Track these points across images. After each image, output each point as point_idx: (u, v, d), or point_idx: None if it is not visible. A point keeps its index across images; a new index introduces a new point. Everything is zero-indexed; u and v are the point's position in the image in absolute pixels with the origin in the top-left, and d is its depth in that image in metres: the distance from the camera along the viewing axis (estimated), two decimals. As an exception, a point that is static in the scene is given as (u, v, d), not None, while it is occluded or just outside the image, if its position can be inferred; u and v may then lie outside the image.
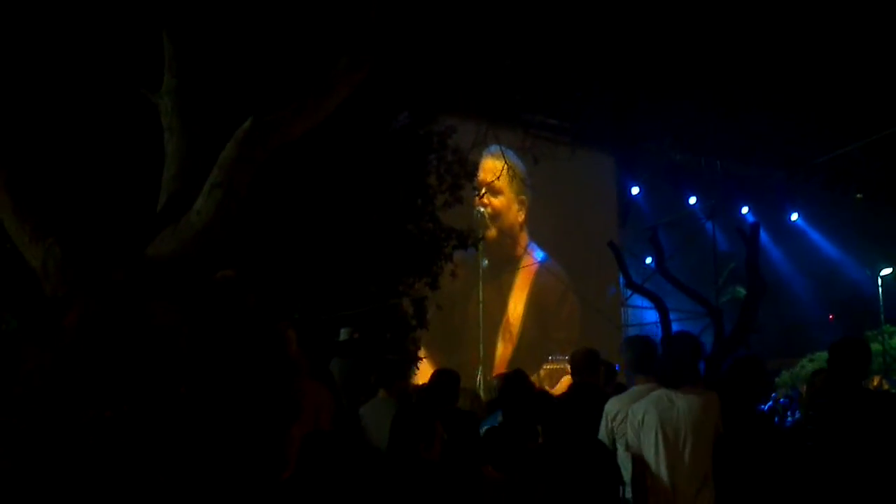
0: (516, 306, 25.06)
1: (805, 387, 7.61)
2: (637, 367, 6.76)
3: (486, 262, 21.50)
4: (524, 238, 25.27)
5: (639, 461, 6.11)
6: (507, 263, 24.62)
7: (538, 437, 6.53)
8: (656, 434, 6.00)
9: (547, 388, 21.88)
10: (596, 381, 7.63)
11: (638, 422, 6.12)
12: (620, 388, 7.45)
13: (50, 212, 6.59)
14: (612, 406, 6.54)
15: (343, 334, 10.13)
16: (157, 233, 6.43)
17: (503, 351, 24.51)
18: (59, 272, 6.04)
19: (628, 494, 6.12)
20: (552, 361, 23.31)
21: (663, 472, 5.95)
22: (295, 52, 9.90)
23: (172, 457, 1.00)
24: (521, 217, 24.90)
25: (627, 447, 6.23)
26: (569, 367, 8.23)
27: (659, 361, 6.59)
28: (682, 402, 6.03)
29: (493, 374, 18.66)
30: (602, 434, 6.49)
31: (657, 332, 15.66)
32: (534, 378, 23.40)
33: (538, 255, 25.40)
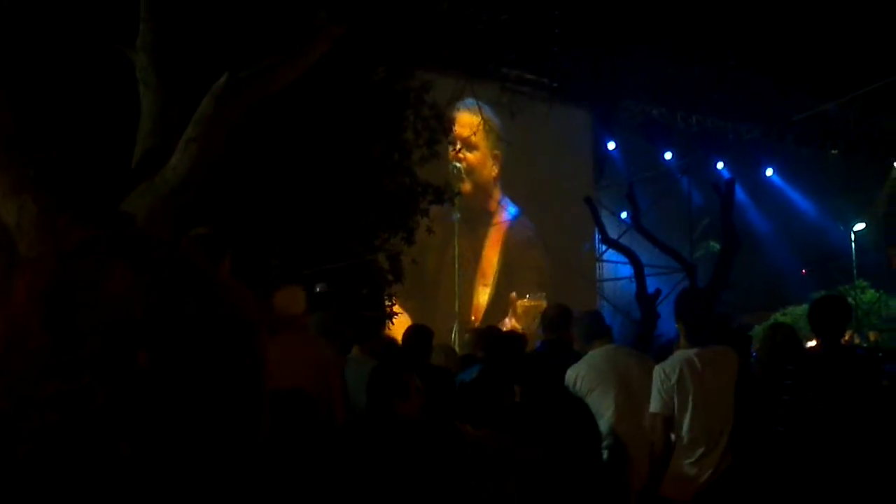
0: (491, 259, 25.15)
1: (759, 343, 7.66)
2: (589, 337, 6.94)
3: (458, 216, 21.49)
4: (497, 193, 25.29)
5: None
6: (480, 218, 24.67)
7: (514, 394, 6.57)
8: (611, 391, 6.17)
9: (523, 325, 22.11)
10: (568, 338, 7.67)
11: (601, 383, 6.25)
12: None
13: (24, 168, 6.54)
14: (570, 373, 6.63)
15: (319, 288, 10.13)
16: (133, 188, 6.41)
17: (479, 301, 24.61)
18: (34, 229, 6.02)
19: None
20: (528, 299, 23.54)
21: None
22: (272, 6, 9.81)
23: (138, 428, 1.00)
24: (494, 172, 24.90)
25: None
26: (544, 303, 8.32)
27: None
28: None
29: (469, 328, 18.79)
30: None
31: (631, 288, 15.75)
32: (510, 318, 23.63)
33: (511, 210, 25.46)
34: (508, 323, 22.94)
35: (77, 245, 1.30)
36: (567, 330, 7.61)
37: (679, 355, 6.20)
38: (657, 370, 6.15)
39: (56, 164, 8.37)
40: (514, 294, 24.24)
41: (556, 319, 7.61)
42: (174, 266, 1.30)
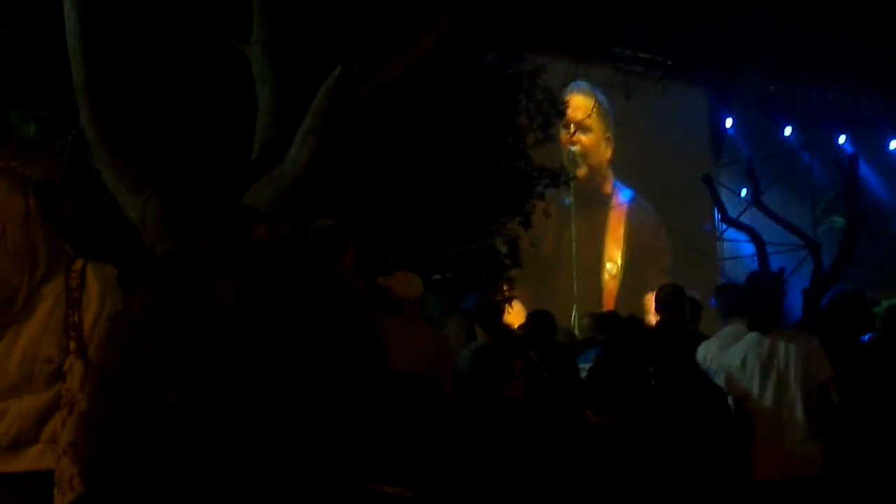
0: (614, 243, 24.91)
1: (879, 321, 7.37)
2: (728, 312, 6.70)
3: (569, 200, 21.30)
4: (610, 175, 25.03)
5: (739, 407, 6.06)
6: (595, 201, 24.42)
7: (650, 378, 6.49)
8: (757, 378, 5.94)
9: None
10: (682, 318, 7.54)
11: (737, 366, 6.05)
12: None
13: (147, 164, 6.71)
14: (701, 349, 6.47)
15: (440, 276, 10.15)
16: (253, 183, 6.52)
17: (610, 287, 24.38)
18: (158, 224, 6.18)
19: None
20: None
21: (767, 415, 5.90)
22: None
23: (262, 433, 1.02)
24: (608, 154, 24.64)
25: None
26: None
27: (750, 304, 6.49)
28: (781, 345, 5.95)
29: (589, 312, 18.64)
30: (698, 378, 6.43)
31: (753, 266, 15.48)
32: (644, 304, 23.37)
33: (625, 193, 25.16)
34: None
35: (185, 257, 1.32)
36: (682, 311, 7.50)
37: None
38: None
39: (178, 160, 8.57)
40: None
41: (669, 300, 7.51)
42: (284, 271, 1.31)
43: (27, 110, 8.94)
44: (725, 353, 6.15)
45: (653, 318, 7.88)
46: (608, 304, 22.72)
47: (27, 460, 2.99)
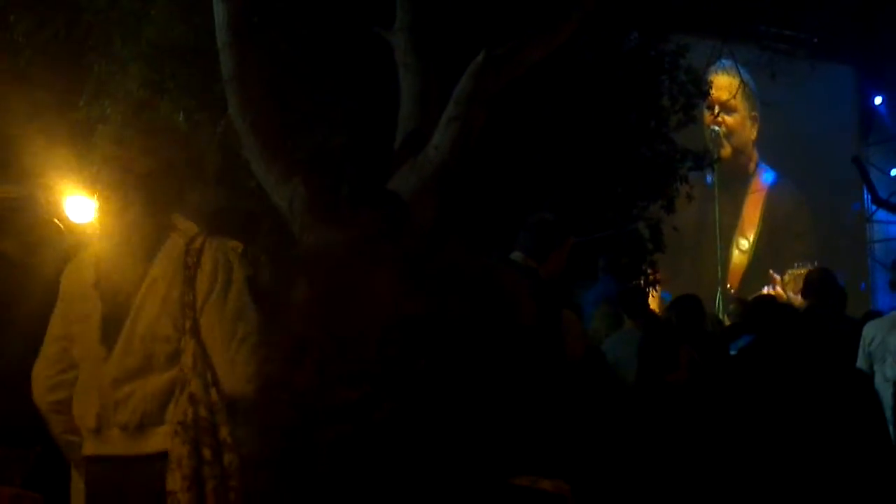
0: (752, 224, 24.38)
1: None
2: None
3: (711, 179, 20.88)
4: (755, 156, 24.49)
5: None
6: (738, 181, 23.92)
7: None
8: None
9: (791, 293, 21.32)
10: (831, 305, 7.31)
11: None
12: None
13: (294, 153, 6.80)
14: (869, 330, 6.24)
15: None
16: (396, 170, 6.55)
17: (735, 266, 23.91)
18: (306, 212, 6.24)
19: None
20: (797, 268, 22.63)
21: None
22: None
23: (425, 432, 0.98)
24: (753, 135, 24.12)
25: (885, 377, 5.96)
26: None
27: None
28: None
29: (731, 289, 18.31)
30: (860, 361, 6.21)
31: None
32: (772, 286, 22.87)
33: (768, 175, 24.58)
34: (771, 291, 22.18)
35: (344, 249, 1.30)
36: (831, 296, 7.28)
37: None
38: None
39: (324, 148, 8.65)
40: (774, 273, 23.27)
41: (817, 284, 7.30)
42: (440, 264, 1.29)
43: (176, 100, 9.15)
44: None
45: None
46: (733, 282, 22.32)
47: (155, 441, 3.04)
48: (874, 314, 7.87)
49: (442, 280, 1.16)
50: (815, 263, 22.12)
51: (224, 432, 2.93)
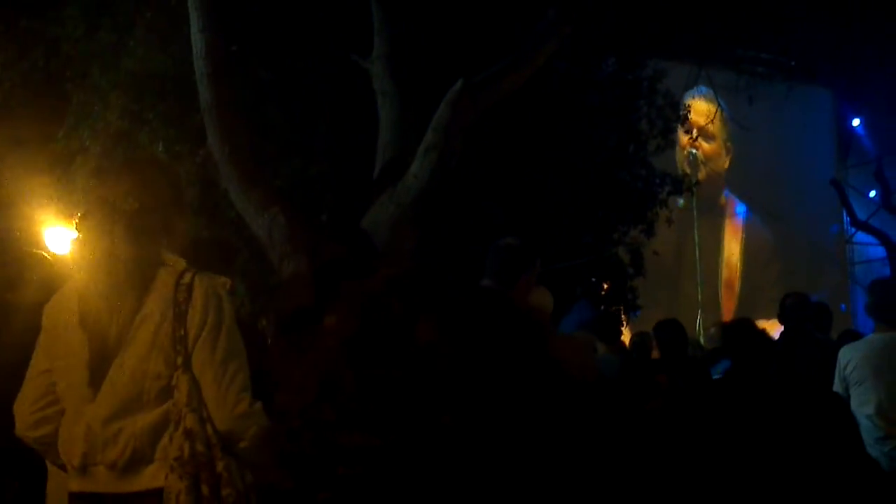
0: (731, 256, 24.43)
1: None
2: (878, 314, 6.31)
3: (682, 202, 20.87)
4: (724, 185, 24.57)
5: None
6: (713, 208, 23.99)
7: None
8: None
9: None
10: (806, 328, 7.34)
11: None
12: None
13: (272, 182, 6.81)
14: (845, 354, 6.25)
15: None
16: (375, 198, 6.57)
17: (727, 303, 23.94)
18: (285, 241, 6.25)
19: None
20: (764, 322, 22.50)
21: None
22: (500, 9, 9.86)
23: (437, 489, 0.99)
24: (725, 164, 24.23)
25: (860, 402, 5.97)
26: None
27: None
28: None
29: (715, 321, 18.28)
30: (836, 385, 6.22)
31: (884, 271, 15.07)
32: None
33: (740, 208, 24.64)
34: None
35: (382, 285, 1.31)
36: (806, 319, 7.32)
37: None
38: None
39: (303, 176, 8.68)
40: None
41: (794, 308, 7.34)
42: (475, 312, 1.30)
43: (156, 131, 9.15)
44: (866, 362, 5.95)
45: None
46: (726, 313, 22.32)
47: (144, 479, 3.02)
48: (853, 333, 7.88)
49: (484, 332, 1.17)
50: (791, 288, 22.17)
51: (220, 466, 2.94)
